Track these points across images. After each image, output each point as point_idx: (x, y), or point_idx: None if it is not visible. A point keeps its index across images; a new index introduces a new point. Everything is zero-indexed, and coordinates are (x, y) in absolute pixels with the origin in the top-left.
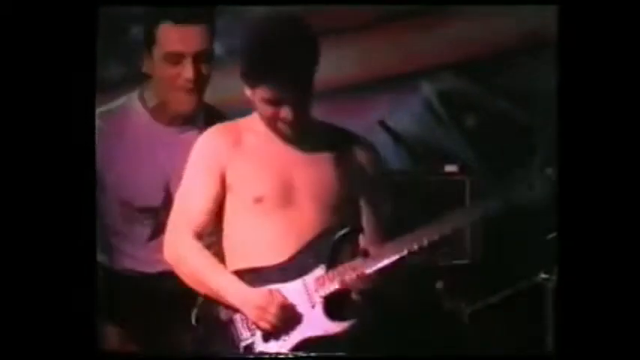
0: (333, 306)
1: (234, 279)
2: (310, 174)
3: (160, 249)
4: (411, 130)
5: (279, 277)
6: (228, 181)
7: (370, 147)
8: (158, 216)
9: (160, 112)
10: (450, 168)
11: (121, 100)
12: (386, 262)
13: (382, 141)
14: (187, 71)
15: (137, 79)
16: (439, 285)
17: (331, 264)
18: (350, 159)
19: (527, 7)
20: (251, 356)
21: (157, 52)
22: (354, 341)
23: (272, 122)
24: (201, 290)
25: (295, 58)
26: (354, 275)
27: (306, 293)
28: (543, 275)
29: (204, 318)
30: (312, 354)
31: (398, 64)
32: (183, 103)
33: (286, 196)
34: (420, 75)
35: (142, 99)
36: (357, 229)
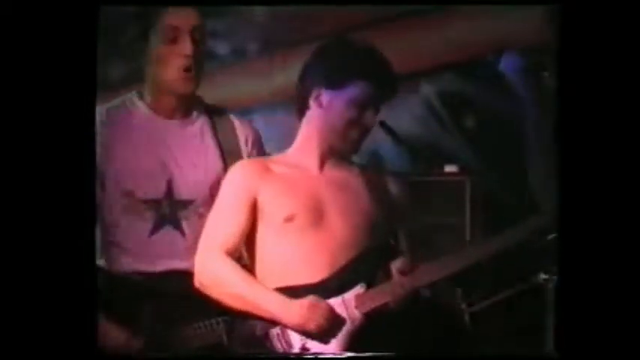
0: (373, 323)
1: (274, 292)
2: (340, 195)
3: (160, 244)
4: (411, 130)
5: (316, 295)
6: (260, 206)
7: (398, 178)
8: (160, 208)
9: (159, 103)
10: (450, 168)
11: (119, 99)
12: (427, 281)
13: (382, 141)
14: (185, 47)
15: (137, 78)
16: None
17: (371, 283)
18: (379, 184)
19: (528, 7)
20: (251, 355)
21: (154, 36)
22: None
23: (346, 128)
24: (239, 307)
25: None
26: (396, 293)
27: (345, 309)
28: (543, 276)
29: (238, 333)
30: (315, 355)
31: (398, 65)
32: (183, 82)
33: (317, 216)
34: (420, 75)
35: (139, 95)
36: (395, 249)
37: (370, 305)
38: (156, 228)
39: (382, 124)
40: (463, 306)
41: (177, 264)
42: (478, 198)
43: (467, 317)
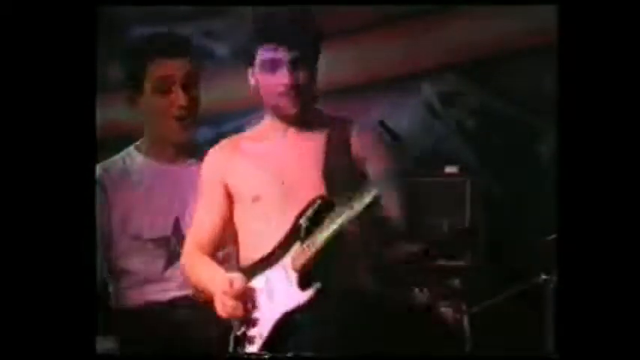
0: (304, 277)
1: (218, 268)
2: (306, 174)
3: (173, 277)
4: (412, 131)
5: (271, 265)
6: (231, 189)
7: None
8: (169, 245)
9: (158, 152)
10: (451, 169)
11: (119, 156)
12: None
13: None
14: (179, 98)
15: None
16: (424, 293)
17: (304, 239)
18: (342, 146)
19: (528, 8)
20: (249, 356)
21: (147, 85)
22: (352, 339)
23: (274, 97)
24: (206, 295)
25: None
26: (320, 240)
27: (285, 273)
28: (544, 276)
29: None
30: (312, 354)
31: (398, 65)
32: (179, 132)
33: (285, 196)
34: (421, 76)
35: (137, 147)
36: (327, 203)
37: (301, 260)
38: (168, 263)
39: (382, 124)
40: (464, 307)
41: (185, 292)
42: (478, 199)
43: (467, 318)
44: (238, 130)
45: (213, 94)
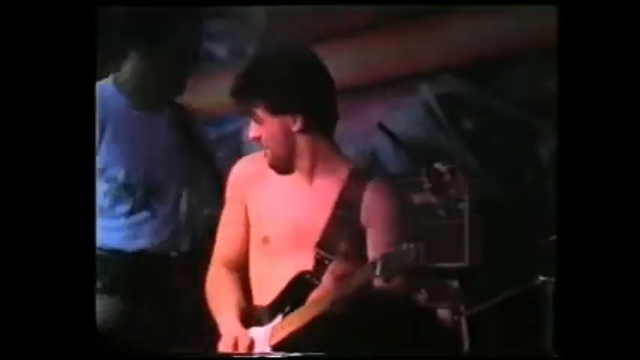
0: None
1: (230, 313)
2: (320, 223)
3: (136, 227)
4: (410, 132)
5: (263, 318)
6: (249, 214)
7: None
8: (136, 193)
9: (140, 98)
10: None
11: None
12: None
13: (381, 143)
14: None
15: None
16: (423, 294)
17: (287, 311)
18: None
19: (528, 8)
20: (251, 356)
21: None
22: (350, 341)
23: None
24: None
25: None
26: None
27: (264, 341)
28: (542, 277)
29: None
30: (312, 354)
31: (397, 67)
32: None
33: (295, 241)
34: (419, 77)
35: (116, 82)
36: (312, 275)
37: (277, 337)
38: (132, 211)
39: (381, 126)
40: (462, 308)
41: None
42: (477, 199)
43: (465, 320)
44: (239, 131)
45: (213, 95)
